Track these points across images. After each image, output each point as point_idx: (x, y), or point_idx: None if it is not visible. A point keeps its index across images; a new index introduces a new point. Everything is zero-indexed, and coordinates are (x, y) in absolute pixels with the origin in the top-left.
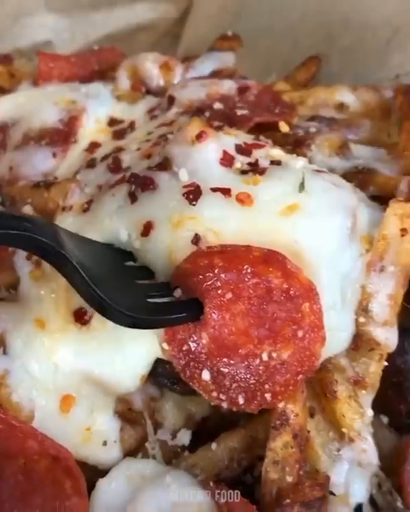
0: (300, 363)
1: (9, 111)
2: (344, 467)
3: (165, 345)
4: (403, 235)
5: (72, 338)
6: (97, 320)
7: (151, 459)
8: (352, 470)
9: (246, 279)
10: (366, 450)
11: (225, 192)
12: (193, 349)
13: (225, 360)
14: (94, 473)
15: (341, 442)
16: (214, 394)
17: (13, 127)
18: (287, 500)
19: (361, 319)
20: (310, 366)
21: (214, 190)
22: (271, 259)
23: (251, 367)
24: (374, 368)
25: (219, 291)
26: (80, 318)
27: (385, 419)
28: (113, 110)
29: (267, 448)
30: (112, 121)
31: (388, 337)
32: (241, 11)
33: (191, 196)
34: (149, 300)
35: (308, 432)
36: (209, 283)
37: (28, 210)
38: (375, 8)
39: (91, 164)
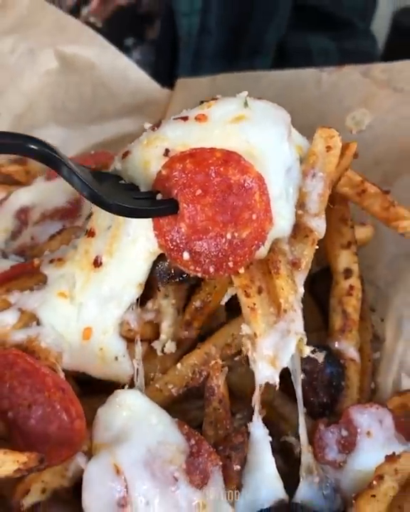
0: (255, 238)
1: (30, 198)
2: (277, 335)
3: (155, 239)
4: (328, 151)
5: (92, 282)
6: (107, 257)
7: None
8: (283, 338)
9: (211, 178)
10: (295, 320)
11: (184, 118)
12: (175, 237)
13: (199, 242)
14: None
15: (277, 317)
16: (192, 267)
17: (33, 209)
18: (221, 447)
19: (299, 212)
20: (261, 240)
21: (175, 119)
22: (230, 159)
23: (219, 245)
24: (307, 251)
25: (191, 189)
26: (97, 263)
27: (304, 409)
28: None
29: (204, 413)
30: None
31: (318, 225)
32: None
33: (154, 127)
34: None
35: (254, 304)
36: (183, 183)
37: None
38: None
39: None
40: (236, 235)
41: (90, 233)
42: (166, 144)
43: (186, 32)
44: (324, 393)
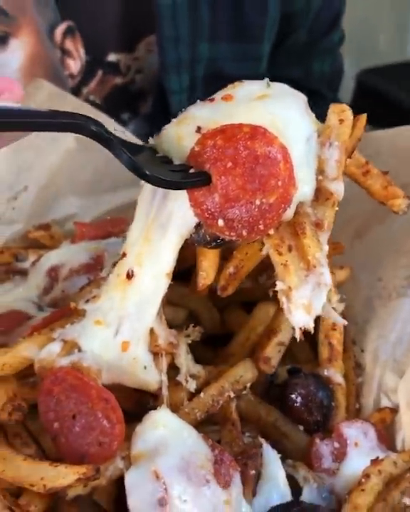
0: (282, 202)
1: (59, 258)
2: (309, 286)
3: (193, 209)
4: (341, 123)
5: (128, 294)
6: (137, 267)
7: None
8: (314, 290)
9: (240, 152)
10: (323, 273)
11: (211, 100)
12: (210, 207)
13: (231, 210)
14: None
15: (307, 271)
16: (227, 232)
17: (62, 267)
18: (239, 457)
19: (320, 178)
20: (287, 203)
21: (201, 101)
22: (256, 132)
23: (250, 211)
24: (328, 213)
25: (222, 162)
26: (129, 276)
27: (301, 428)
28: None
29: (221, 435)
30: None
31: (337, 188)
32: None
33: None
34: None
35: (286, 261)
36: (215, 158)
37: None
38: None
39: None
40: (264, 200)
41: (122, 255)
42: (198, 122)
43: (177, 106)
44: (317, 413)
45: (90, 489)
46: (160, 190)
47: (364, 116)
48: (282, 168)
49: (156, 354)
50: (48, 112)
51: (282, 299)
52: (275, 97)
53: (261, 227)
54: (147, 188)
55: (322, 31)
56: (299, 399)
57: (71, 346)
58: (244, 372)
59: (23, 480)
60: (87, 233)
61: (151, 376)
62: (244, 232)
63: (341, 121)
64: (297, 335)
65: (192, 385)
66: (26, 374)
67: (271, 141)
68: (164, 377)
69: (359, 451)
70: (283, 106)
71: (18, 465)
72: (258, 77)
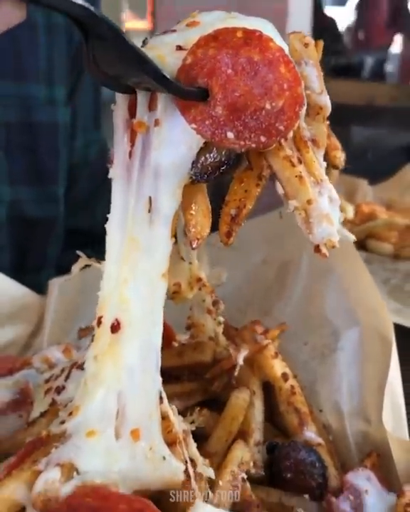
0: (294, 102)
1: None
2: (325, 198)
3: (195, 128)
4: (306, 47)
5: (123, 350)
6: (121, 306)
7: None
8: (329, 204)
9: (237, 58)
10: (331, 188)
11: (172, 31)
12: (213, 121)
13: (239, 120)
14: None
15: (316, 186)
16: (242, 143)
17: None
18: None
19: (307, 92)
20: (301, 102)
21: (161, 33)
22: (252, 36)
23: (261, 117)
24: (322, 129)
25: (222, 69)
26: (115, 329)
27: (307, 496)
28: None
29: None
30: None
31: (326, 101)
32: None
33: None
34: None
35: (300, 172)
36: (211, 67)
37: None
38: None
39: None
40: (274, 104)
41: (97, 322)
42: (174, 44)
43: None
44: (317, 475)
45: None
46: (136, 159)
47: (321, 42)
48: (284, 70)
49: (171, 444)
50: None
51: (300, 216)
52: (244, 17)
53: (281, 127)
54: (118, 173)
55: (102, 178)
56: (294, 468)
57: (69, 469)
58: (243, 454)
59: None
60: None
61: (173, 467)
62: (262, 138)
63: (306, 45)
64: (324, 250)
65: (211, 473)
66: None
67: (267, 43)
68: (191, 469)
69: (370, 497)
70: (259, 23)
71: None
72: (58, 219)
